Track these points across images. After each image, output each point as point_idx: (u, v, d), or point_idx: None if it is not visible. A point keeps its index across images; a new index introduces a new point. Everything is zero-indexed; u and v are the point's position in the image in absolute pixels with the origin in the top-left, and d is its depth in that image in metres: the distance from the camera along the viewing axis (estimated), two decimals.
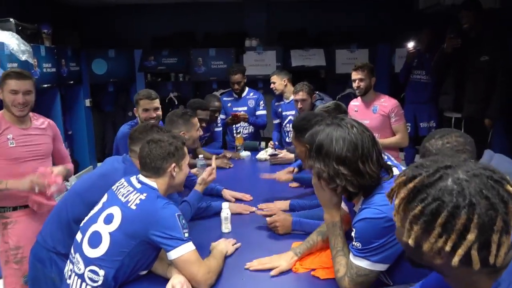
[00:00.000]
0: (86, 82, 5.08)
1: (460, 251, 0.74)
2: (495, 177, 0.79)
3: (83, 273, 1.53)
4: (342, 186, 1.34)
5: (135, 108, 2.91)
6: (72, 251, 1.63)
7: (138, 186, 1.62)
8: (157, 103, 2.87)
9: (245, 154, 3.79)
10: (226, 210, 2.06)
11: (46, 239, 1.92)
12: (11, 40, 3.45)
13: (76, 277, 1.56)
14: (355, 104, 3.49)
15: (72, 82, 4.76)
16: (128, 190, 1.61)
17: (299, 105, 3.52)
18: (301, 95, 3.50)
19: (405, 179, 0.84)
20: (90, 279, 1.52)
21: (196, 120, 2.62)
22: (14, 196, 2.32)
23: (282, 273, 1.62)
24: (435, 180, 0.80)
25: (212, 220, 2.15)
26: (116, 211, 1.56)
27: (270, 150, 3.60)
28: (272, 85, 4.09)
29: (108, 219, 1.56)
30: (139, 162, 1.72)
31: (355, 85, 3.33)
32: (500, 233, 0.74)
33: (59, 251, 1.90)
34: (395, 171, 1.40)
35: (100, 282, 1.51)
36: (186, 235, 1.53)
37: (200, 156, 3.01)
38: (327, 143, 1.33)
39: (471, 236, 0.74)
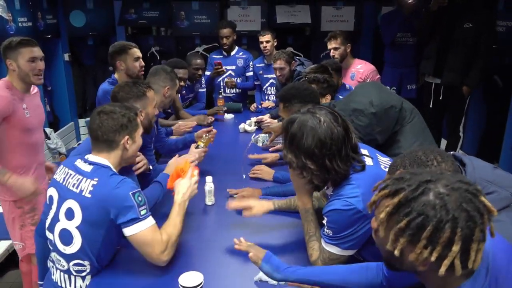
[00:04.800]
0: (64, 36, 4.89)
1: (446, 262, 0.82)
2: (471, 189, 0.86)
3: (68, 268, 1.55)
4: (308, 179, 1.41)
5: (118, 62, 2.74)
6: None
7: (88, 168, 1.53)
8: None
9: (228, 116, 3.78)
10: (209, 183, 2.12)
11: None
12: None
13: (61, 273, 1.57)
14: None
15: (49, 36, 4.59)
16: (78, 179, 1.52)
17: (278, 73, 3.47)
18: (278, 64, 3.42)
19: (388, 192, 0.89)
20: (77, 271, 1.54)
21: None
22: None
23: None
24: (418, 195, 0.85)
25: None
26: (73, 204, 1.50)
27: (253, 120, 3.43)
28: (265, 44, 3.89)
29: (69, 214, 1.51)
30: (89, 135, 1.62)
31: (331, 54, 3.47)
32: (478, 241, 0.83)
33: None
34: (369, 162, 1.48)
35: (88, 270, 1.55)
36: (143, 212, 1.49)
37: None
38: (299, 136, 1.36)
39: (455, 248, 0.81)
